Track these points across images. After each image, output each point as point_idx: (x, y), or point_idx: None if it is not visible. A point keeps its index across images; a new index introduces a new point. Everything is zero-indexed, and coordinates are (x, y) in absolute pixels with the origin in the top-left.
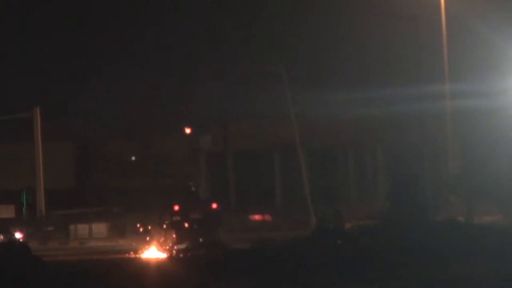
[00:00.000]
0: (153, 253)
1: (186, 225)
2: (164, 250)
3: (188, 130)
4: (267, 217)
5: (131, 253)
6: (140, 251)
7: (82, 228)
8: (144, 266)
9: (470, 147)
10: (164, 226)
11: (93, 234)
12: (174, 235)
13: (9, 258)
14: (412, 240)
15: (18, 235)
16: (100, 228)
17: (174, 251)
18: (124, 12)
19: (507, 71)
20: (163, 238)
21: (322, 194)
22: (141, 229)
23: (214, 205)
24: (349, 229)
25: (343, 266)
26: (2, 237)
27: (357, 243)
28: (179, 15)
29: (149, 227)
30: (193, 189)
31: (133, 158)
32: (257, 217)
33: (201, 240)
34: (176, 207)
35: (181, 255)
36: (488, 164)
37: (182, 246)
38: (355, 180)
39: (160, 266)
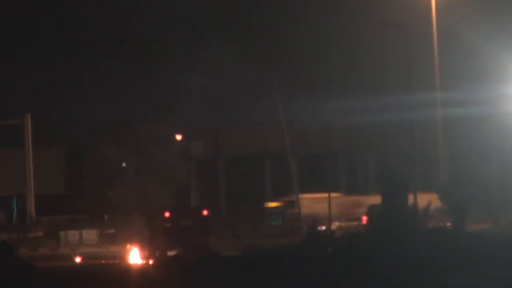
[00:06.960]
0: (143, 259)
1: (177, 231)
2: (155, 257)
3: (179, 137)
4: None
5: (121, 259)
6: (131, 258)
7: (73, 235)
8: (134, 272)
9: (461, 155)
10: (155, 233)
11: (84, 241)
12: (165, 242)
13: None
14: (402, 248)
15: None
16: (90, 234)
17: (165, 258)
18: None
19: (498, 79)
20: (154, 245)
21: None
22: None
23: (205, 212)
24: (340, 237)
25: (333, 273)
26: None
27: (347, 250)
28: (172, 20)
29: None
30: (184, 196)
31: (124, 164)
32: None
33: (191, 246)
34: (167, 214)
35: (171, 262)
36: (479, 172)
37: (173, 252)
38: (346, 187)
39: (150, 273)
